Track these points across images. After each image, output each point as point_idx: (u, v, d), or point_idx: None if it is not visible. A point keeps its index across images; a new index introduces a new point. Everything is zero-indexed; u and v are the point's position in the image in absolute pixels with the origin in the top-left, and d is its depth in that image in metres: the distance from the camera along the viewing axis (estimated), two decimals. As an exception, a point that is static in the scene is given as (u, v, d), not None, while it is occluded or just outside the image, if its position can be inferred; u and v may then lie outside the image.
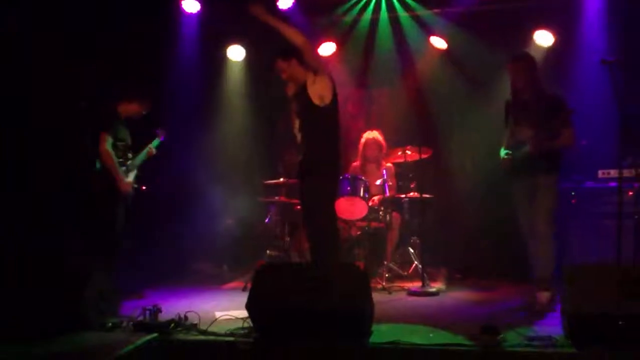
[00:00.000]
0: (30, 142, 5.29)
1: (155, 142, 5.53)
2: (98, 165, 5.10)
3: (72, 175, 5.46)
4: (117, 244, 5.11)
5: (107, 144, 5.06)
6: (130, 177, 5.28)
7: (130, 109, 5.31)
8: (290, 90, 4.81)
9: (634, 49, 5.66)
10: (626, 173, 4.99)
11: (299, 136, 4.71)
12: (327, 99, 4.60)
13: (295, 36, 4.52)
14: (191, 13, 6.60)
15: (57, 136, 5.47)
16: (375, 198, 6.15)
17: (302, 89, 4.65)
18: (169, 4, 6.53)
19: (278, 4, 6.44)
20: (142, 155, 5.41)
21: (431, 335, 3.72)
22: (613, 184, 5.46)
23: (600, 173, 5.63)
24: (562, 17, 6.27)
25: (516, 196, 4.92)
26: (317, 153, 4.60)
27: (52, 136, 5.43)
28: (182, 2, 6.50)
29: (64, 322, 3.84)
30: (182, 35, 6.75)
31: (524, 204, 4.86)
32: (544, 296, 4.47)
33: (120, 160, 5.17)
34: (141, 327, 3.81)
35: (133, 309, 4.16)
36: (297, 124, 4.74)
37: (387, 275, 5.75)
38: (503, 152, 4.92)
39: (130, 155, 5.32)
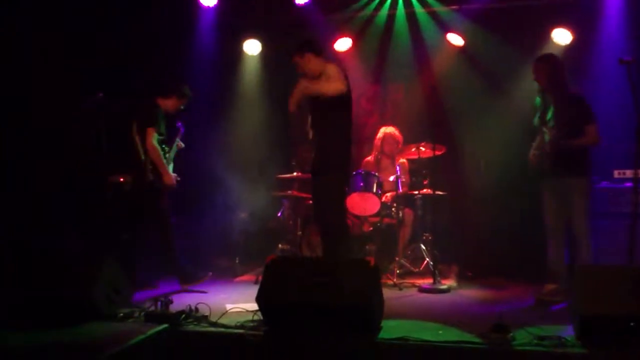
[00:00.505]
0: (30, 142, 5.33)
1: (179, 136, 5.63)
2: (143, 157, 5.20)
3: (72, 175, 5.52)
4: (168, 234, 5.25)
5: (154, 138, 5.15)
6: (170, 170, 5.40)
7: (168, 104, 5.38)
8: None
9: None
10: (642, 174, 4.91)
11: (311, 132, 4.72)
12: (342, 96, 4.59)
13: (328, 89, 4.49)
14: (208, 7, 6.61)
15: (57, 136, 5.51)
16: (388, 194, 6.14)
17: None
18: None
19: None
20: (174, 148, 5.52)
21: (440, 332, 3.71)
22: (629, 184, 5.40)
23: (616, 173, 5.57)
24: (581, 15, 6.18)
25: (543, 195, 4.90)
26: (329, 149, 4.60)
27: (52, 136, 5.47)
28: (199, -4, 6.52)
29: (76, 312, 3.88)
30: (199, 29, 6.77)
31: (550, 204, 4.84)
32: None
33: (162, 153, 5.30)
34: (152, 318, 3.84)
35: (145, 300, 4.20)
36: (309, 119, 4.75)
37: (398, 271, 5.74)
38: (532, 152, 4.91)
39: (166, 148, 5.41)
